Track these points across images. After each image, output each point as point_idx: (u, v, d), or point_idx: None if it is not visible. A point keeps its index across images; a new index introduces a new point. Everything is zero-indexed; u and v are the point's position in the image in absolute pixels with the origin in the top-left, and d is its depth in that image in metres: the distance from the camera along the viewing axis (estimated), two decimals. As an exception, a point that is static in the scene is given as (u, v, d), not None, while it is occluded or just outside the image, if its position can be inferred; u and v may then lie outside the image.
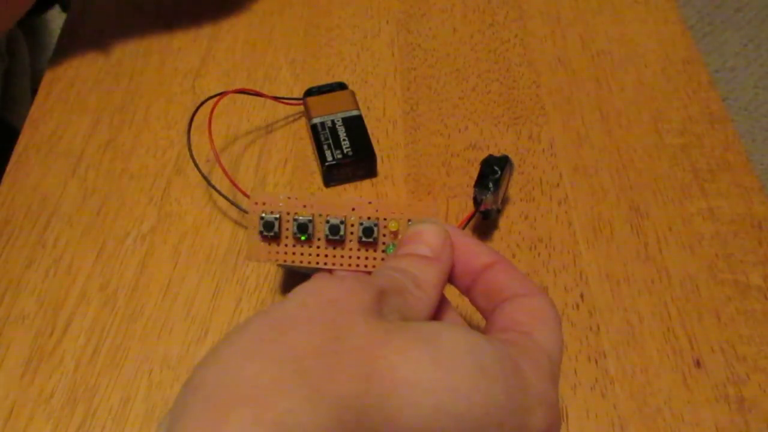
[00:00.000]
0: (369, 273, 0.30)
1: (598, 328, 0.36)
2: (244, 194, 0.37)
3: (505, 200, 0.41)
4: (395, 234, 0.30)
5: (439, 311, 0.28)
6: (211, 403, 0.20)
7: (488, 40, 0.51)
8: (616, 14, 0.53)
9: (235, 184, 0.38)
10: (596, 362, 0.35)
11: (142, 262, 0.39)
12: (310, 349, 0.22)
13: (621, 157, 0.44)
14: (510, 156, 0.39)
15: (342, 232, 0.30)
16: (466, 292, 0.29)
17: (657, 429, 0.33)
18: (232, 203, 0.39)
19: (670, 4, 0.53)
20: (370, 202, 0.30)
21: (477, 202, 0.38)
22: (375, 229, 0.30)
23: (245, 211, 0.39)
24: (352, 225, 0.30)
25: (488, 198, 0.37)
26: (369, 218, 0.30)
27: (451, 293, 0.29)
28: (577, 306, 0.37)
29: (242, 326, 0.23)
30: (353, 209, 0.30)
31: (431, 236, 0.28)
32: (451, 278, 0.29)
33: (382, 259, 0.30)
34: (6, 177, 0.44)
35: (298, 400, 0.20)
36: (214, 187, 0.40)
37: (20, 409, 0.34)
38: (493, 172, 0.38)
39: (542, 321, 0.26)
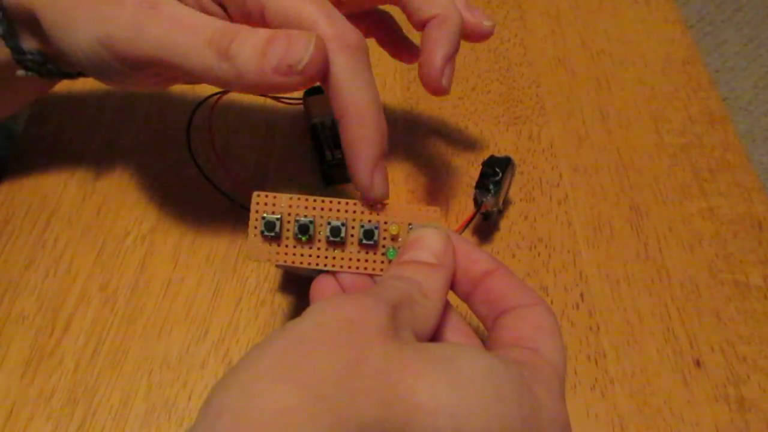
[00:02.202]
0: (370, 276, 0.30)
1: (598, 328, 0.36)
2: (246, 192, 0.37)
3: (507, 201, 0.41)
4: (395, 238, 0.30)
5: (443, 318, 0.28)
6: (235, 430, 0.20)
7: (488, 40, 0.51)
8: (616, 14, 0.53)
9: (236, 182, 0.38)
10: (596, 362, 0.35)
11: (142, 262, 0.39)
12: (331, 373, 0.22)
13: (621, 157, 0.44)
14: (508, 154, 0.39)
15: (343, 234, 0.30)
16: (465, 298, 0.29)
17: (657, 429, 0.33)
18: (233, 200, 0.39)
19: (670, 4, 0.53)
20: (372, 205, 0.30)
21: (477, 203, 0.38)
22: (376, 232, 0.30)
23: (247, 209, 0.39)
24: (353, 227, 0.30)
25: (489, 200, 0.37)
26: (370, 221, 0.30)
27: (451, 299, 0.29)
28: (577, 306, 0.37)
29: (261, 348, 0.23)
30: (354, 211, 0.30)
31: (433, 241, 0.28)
32: (450, 285, 0.29)
33: (382, 262, 0.30)
34: (6, 177, 0.44)
35: (322, 427, 0.20)
36: (215, 186, 0.40)
37: (20, 409, 0.34)
38: (494, 173, 0.37)
39: (547, 334, 0.26)
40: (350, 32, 0.29)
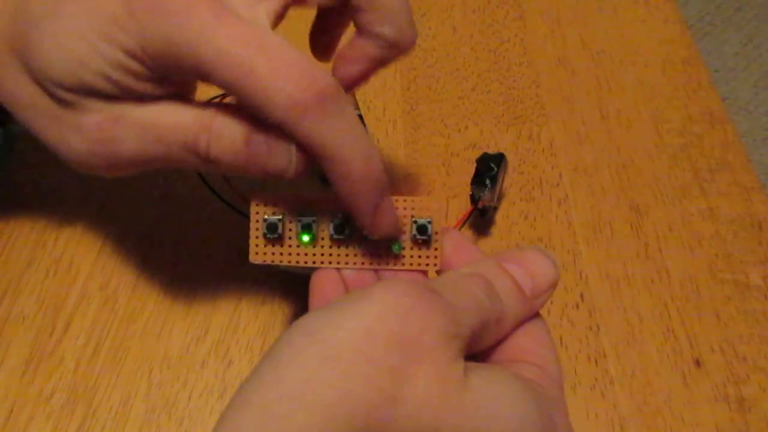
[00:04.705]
0: (375, 271, 0.30)
1: (598, 328, 0.36)
2: (243, 198, 0.37)
3: (501, 197, 0.41)
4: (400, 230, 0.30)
5: None
6: None
7: (488, 40, 0.51)
8: (616, 14, 0.53)
9: (233, 187, 0.38)
10: (596, 362, 0.35)
11: (142, 262, 0.39)
12: (365, 404, 0.20)
13: (621, 157, 0.44)
14: (508, 154, 0.39)
15: (348, 231, 0.30)
16: None
17: (657, 429, 0.33)
18: (232, 206, 0.39)
19: (670, 4, 0.53)
20: None
21: (474, 199, 0.38)
22: None
23: (244, 215, 0.39)
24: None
25: (486, 195, 0.38)
26: None
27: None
28: (577, 306, 0.37)
29: (294, 351, 0.21)
30: None
31: (541, 276, 0.26)
32: None
33: (387, 256, 0.30)
34: (6, 177, 0.44)
35: None
36: (213, 191, 0.40)
37: (20, 409, 0.34)
38: (489, 169, 0.38)
39: (547, 349, 0.26)
40: (313, 81, 0.24)
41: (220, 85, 0.24)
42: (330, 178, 0.26)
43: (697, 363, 0.35)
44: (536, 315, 0.28)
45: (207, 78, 0.24)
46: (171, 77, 0.26)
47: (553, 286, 0.26)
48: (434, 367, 0.21)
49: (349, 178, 0.25)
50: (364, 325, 0.21)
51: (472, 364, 0.23)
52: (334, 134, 0.24)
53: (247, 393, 0.20)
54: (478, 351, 0.26)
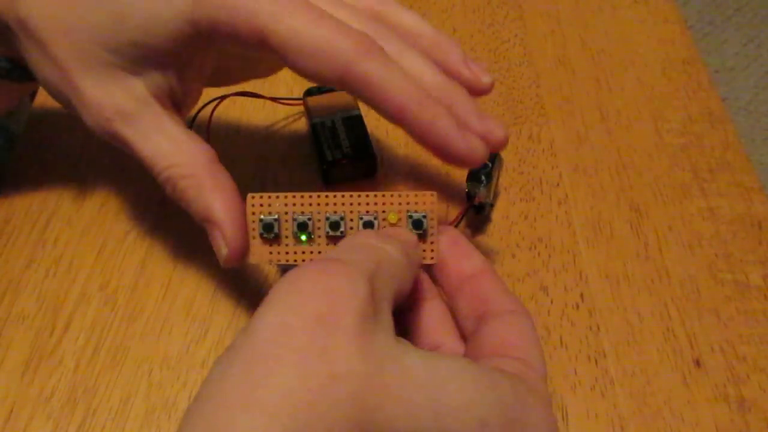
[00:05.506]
0: None
1: (598, 328, 0.36)
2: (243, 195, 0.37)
3: (496, 194, 0.41)
4: (396, 226, 0.30)
5: (431, 311, 0.29)
6: None
7: (488, 40, 0.51)
8: (616, 14, 0.53)
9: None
10: (596, 362, 0.35)
11: (142, 262, 0.39)
12: (302, 395, 0.19)
13: (621, 157, 0.44)
14: (508, 154, 0.39)
15: (342, 228, 0.30)
16: (451, 293, 0.30)
17: (657, 429, 0.33)
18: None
19: (670, 4, 0.53)
20: (367, 195, 0.30)
21: (470, 196, 0.38)
22: (375, 222, 0.30)
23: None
24: (352, 220, 0.30)
25: (481, 191, 0.38)
26: (368, 212, 0.30)
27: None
28: (577, 306, 0.37)
29: (224, 366, 0.21)
30: (351, 204, 0.30)
31: (407, 237, 0.29)
32: (441, 278, 0.30)
33: None
34: (6, 177, 0.44)
35: None
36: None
37: (20, 409, 0.34)
38: (483, 165, 0.38)
39: (531, 343, 0.27)
40: (364, 37, 0.28)
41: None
42: (406, 120, 0.28)
43: (697, 363, 0.35)
44: (522, 310, 0.28)
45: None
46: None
47: (416, 242, 0.30)
48: (360, 324, 0.21)
49: (423, 112, 0.28)
50: (278, 319, 0.21)
51: (422, 351, 0.23)
52: (395, 75, 0.28)
53: (190, 415, 0.20)
54: (405, 293, 0.26)
